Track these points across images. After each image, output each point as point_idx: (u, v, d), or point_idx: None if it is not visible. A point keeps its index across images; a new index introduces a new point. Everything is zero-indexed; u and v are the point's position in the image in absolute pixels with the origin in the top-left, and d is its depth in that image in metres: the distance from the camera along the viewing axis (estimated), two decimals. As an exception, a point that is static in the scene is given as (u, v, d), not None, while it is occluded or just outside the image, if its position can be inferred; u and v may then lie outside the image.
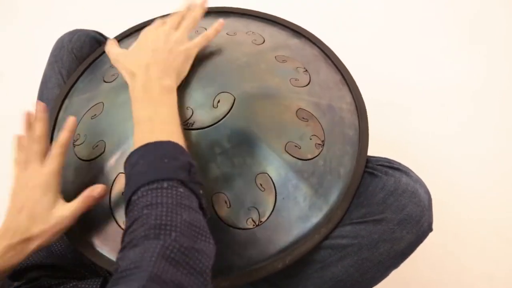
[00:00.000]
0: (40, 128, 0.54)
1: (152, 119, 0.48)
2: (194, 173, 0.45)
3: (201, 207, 0.44)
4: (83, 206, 0.51)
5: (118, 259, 0.39)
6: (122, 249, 0.40)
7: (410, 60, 1.17)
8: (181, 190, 0.42)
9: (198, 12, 0.60)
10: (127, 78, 0.55)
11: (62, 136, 0.53)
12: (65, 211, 0.51)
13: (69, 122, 0.54)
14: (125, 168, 0.46)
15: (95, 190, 0.52)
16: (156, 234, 0.38)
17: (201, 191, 0.45)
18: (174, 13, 0.61)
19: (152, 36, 0.56)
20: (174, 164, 0.44)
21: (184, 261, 0.37)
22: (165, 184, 0.41)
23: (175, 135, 0.48)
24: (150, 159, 0.44)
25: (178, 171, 0.43)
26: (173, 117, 0.50)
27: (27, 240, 0.49)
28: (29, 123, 0.55)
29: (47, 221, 0.50)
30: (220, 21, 0.60)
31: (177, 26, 0.58)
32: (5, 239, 0.48)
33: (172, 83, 0.53)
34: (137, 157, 0.45)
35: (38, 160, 0.53)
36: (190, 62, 0.56)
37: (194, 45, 0.57)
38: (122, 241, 0.41)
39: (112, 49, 0.59)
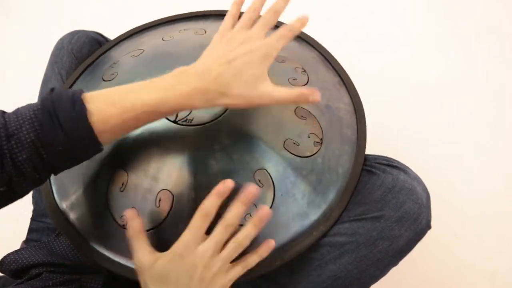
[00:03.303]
0: None
1: None
2: None
3: None
4: (290, 98, 0.47)
5: None
6: None
7: (408, 59, 1.18)
8: None
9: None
10: None
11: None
12: (272, 90, 0.46)
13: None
14: None
15: (313, 94, 0.47)
16: None
17: None
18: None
19: None
20: None
21: None
22: None
23: None
24: None
25: None
26: None
27: (223, 94, 0.45)
28: None
29: (251, 88, 0.45)
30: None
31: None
32: (201, 80, 0.45)
33: None
34: None
35: None
36: None
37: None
38: None
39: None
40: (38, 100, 0.44)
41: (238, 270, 0.49)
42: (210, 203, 0.46)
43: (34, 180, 0.44)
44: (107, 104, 0.44)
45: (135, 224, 0.49)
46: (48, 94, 0.44)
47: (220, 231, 0.47)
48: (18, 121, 0.42)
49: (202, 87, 0.44)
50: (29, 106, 0.43)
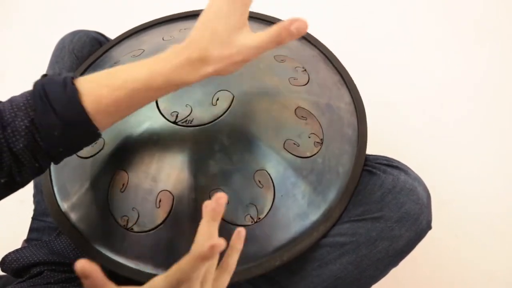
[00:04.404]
0: None
1: None
2: None
3: None
4: (271, 39, 0.42)
5: None
6: None
7: (408, 59, 1.18)
8: None
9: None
10: None
11: None
12: (249, 40, 0.43)
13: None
14: None
15: (296, 23, 0.42)
16: None
17: None
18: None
19: None
20: None
21: None
22: None
23: None
24: None
25: None
26: None
27: (205, 60, 0.43)
28: None
29: (227, 45, 0.43)
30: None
31: None
32: (187, 50, 0.43)
33: None
34: None
35: None
36: None
37: None
38: None
39: None
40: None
41: (225, 279, 0.42)
42: (190, 267, 0.36)
43: (34, 168, 0.44)
44: (98, 84, 0.43)
45: (95, 278, 0.34)
46: (40, 80, 0.44)
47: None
48: (13, 109, 0.42)
49: (187, 56, 0.43)
50: (22, 94, 0.43)
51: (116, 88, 0.43)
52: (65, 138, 0.43)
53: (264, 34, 0.43)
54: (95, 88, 0.43)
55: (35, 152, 0.43)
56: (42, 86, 0.42)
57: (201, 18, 0.44)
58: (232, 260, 0.42)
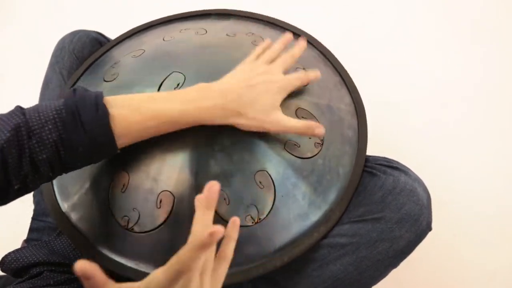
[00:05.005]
0: None
1: None
2: None
3: None
4: (297, 130, 0.52)
5: None
6: None
7: (409, 59, 1.18)
8: None
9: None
10: None
11: None
12: (283, 119, 0.51)
13: None
14: None
15: (318, 128, 0.52)
16: None
17: None
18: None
19: None
20: None
21: None
22: None
23: None
24: None
25: None
26: None
27: (239, 114, 0.49)
28: None
29: (263, 112, 0.50)
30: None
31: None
32: (222, 99, 0.49)
33: None
34: None
35: None
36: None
37: None
38: None
39: None
40: (60, 100, 0.45)
41: (224, 268, 0.43)
42: (189, 257, 0.35)
43: (47, 178, 0.45)
44: (131, 110, 0.45)
45: (96, 279, 0.34)
46: (71, 95, 0.44)
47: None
48: (40, 120, 0.42)
49: (223, 104, 0.48)
50: (50, 105, 0.44)
51: (148, 119, 0.46)
52: (86, 155, 0.45)
53: (296, 122, 0.51)
54: (127, 114, 0.45)
55: (54, 164, 0.44)
56: (75, 104, 0.43)
57: (245, 77, 0.51)
58: (229, 249, 0.43)
